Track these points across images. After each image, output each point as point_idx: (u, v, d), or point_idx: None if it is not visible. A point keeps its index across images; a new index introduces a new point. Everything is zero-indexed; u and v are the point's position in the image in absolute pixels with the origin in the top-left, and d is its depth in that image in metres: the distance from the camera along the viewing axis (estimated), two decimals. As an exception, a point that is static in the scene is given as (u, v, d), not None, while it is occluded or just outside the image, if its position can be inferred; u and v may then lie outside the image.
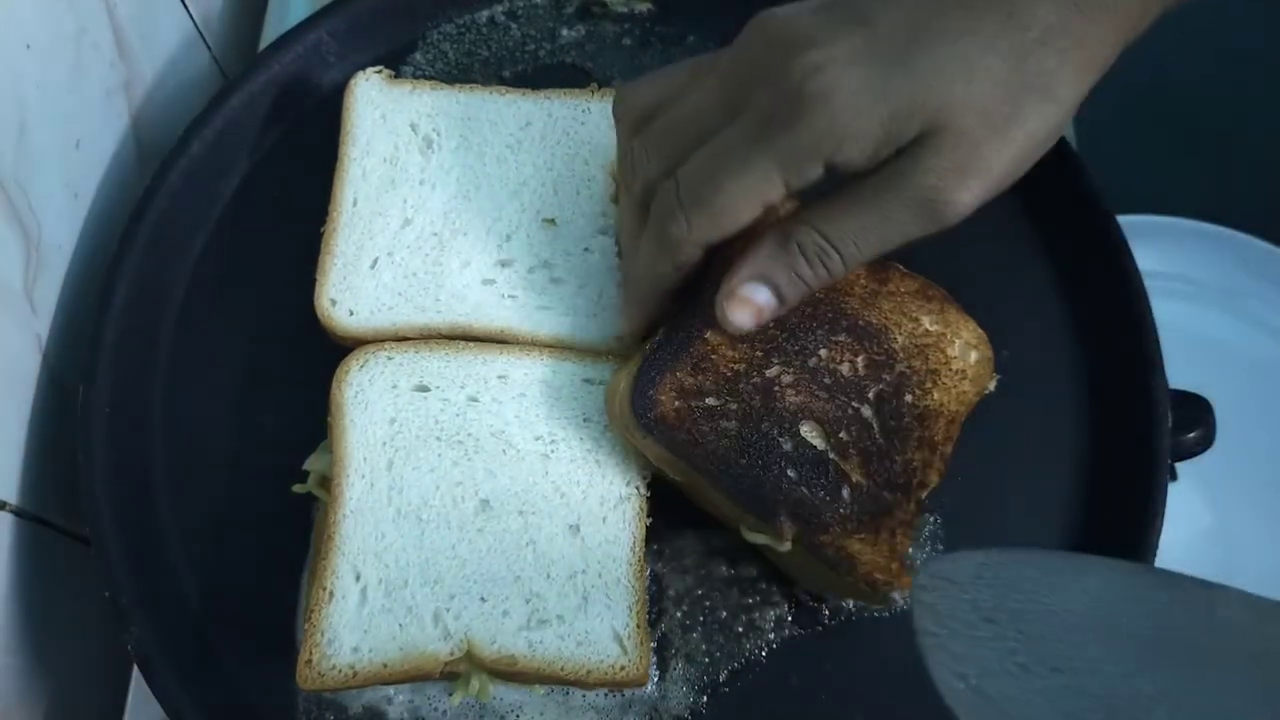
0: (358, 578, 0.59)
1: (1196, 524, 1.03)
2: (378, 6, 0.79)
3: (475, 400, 0.63)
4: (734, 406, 0.63)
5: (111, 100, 0.76)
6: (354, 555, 0.59)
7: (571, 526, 0.61)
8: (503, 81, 0.79)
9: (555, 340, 0.64)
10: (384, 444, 0.62)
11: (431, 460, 0.61)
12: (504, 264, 0.66)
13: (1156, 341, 0.68)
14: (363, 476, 0.61)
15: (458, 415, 0.63)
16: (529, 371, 0.64)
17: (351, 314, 0.64)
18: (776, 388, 0.63)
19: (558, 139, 0.69)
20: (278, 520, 0.66)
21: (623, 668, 0.58)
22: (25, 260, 0.66)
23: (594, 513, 0.61)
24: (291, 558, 0.65)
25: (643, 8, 0.82)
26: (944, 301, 0.68)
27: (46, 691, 0.69)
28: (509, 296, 0.65)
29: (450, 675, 0.59)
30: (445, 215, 0.67)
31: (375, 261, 0.65)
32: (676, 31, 0.81)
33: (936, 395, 0.66)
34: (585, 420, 0.63)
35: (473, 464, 0.62)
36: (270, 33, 0.87)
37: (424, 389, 0.63)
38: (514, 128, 0.70)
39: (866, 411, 0.64)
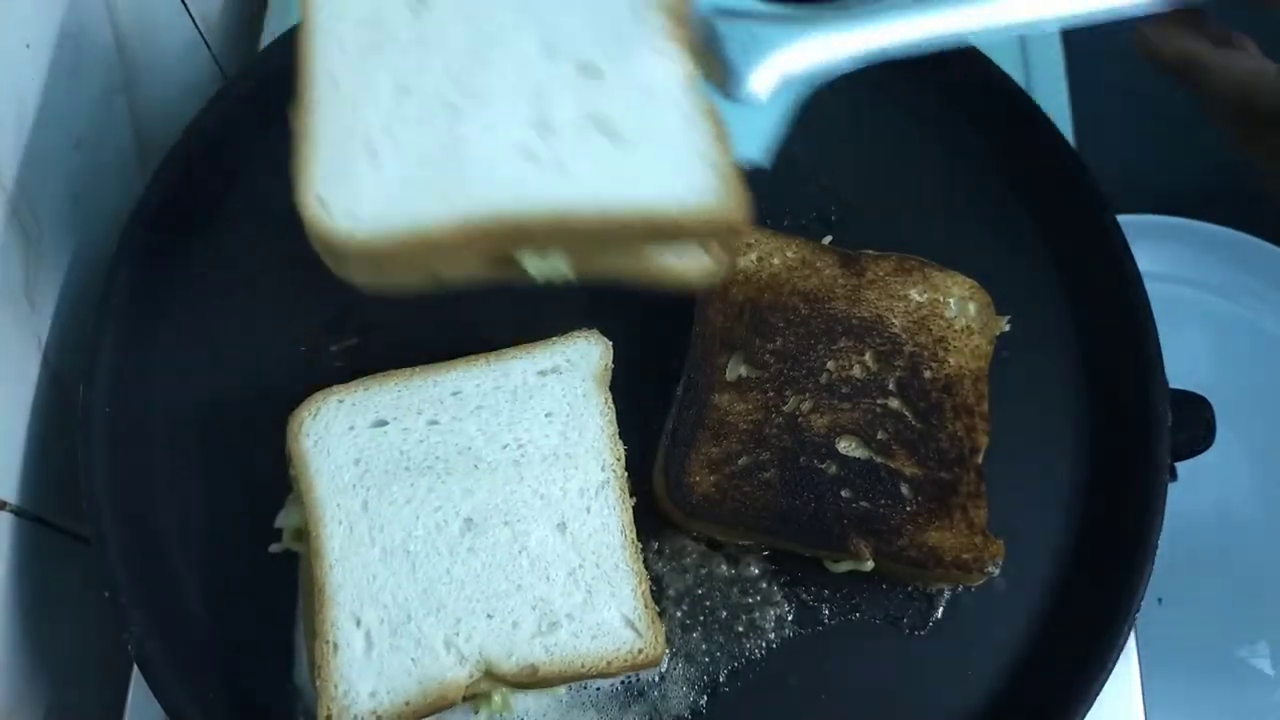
0: (358, 624, 0.58)
1: (1197, 523, 1.03)
2: (378, 6, 0.79)
3: (435, 423, 0.63)
4: (766, 456, 0.63)
5: (111, 100, 0.76)
6: (350, 603, 0.58)
7: (559, 525, 0.61)
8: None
9: (636, 212, 0.50)
10: (354, 486, 0.61)
11: (406, 492, 0.61)
12: (543, 128, 0.52)
13: (1156, 341, 0.68)
14: (340, 523, 0.60)
15: (421, 441, 0.62)
16: (480, 381, 0.64)
17: (352, 217, 0.49)
18: (800, 418, 0.64)
19: None
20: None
21: (640, 650, 0.59)
22: (25, 260, 0.66)
23: (577, 505, 0.61)
24: (291, 556, 0.65)
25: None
26: (924, 269, 0.69)
27: (46, 691, 0.69)
28: (558, 168, 0.51)
29: (472, 697, 0.59)
30: (454, 78, 0.53)
31: (369, 143, 0.51)
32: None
33: (953, 360, 0.66)
34: (548, 416, 0.63)
35: (448, 486, 0.61)
36: (270, 33, 0.87)
37: (382, 423, 0.62)
38: None
39: (894, 403, 0.65)
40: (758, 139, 0.55)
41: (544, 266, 0.51)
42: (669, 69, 0.54)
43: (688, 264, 0.53)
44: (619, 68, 0.53)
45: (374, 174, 0.50)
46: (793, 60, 0.56)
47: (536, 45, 0.54)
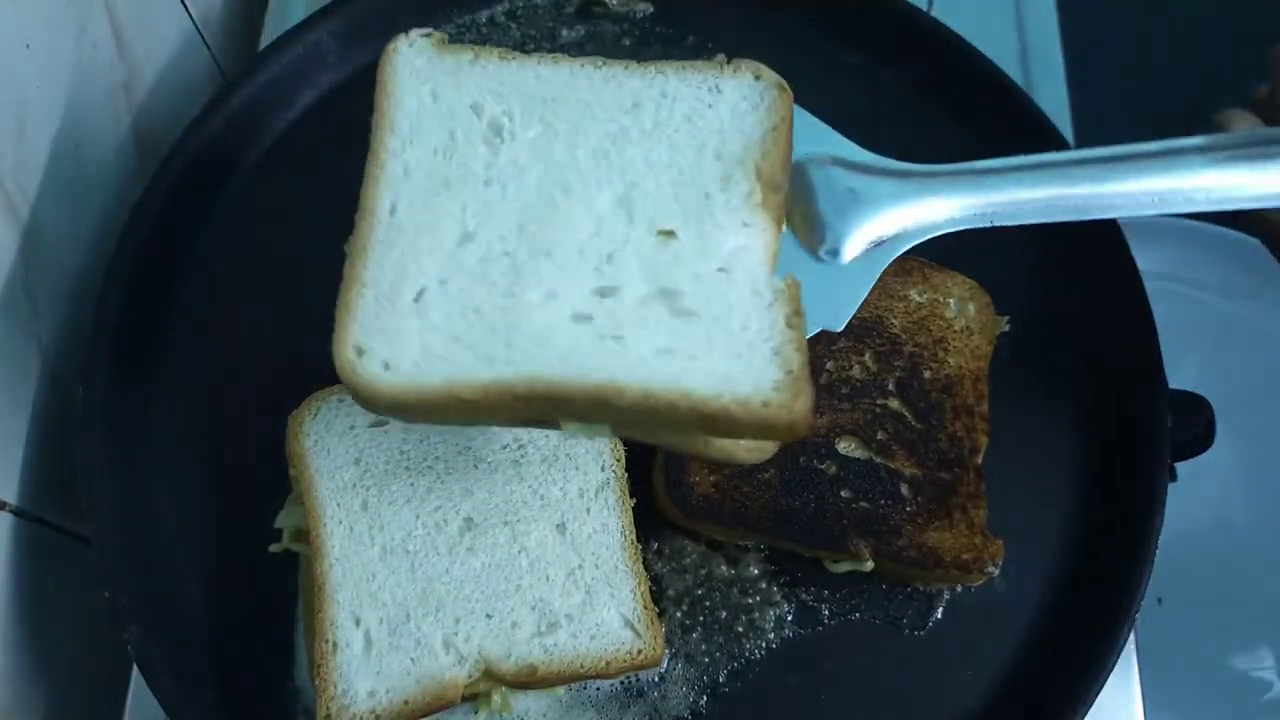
0: (358, 623, 0.58)
1: (1196, 524, 1.03)
2: (378, 6, 0.79)
3: None
4: None
5: (111, 100, 0.76)
6: (349, 602, 0.59)
7: (558, 525, 0.61)
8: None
9: (683, 396, 0.45)
10: (354, 486, 0.61)
11: (405, 491, 0.61)
12: (605, 293, 0.48)
13: (1156, 341, 0.68)
14: (339, 523, 0.60)
15: (421, 441, 0.62)
16: None
17: (387, 368, 0.46)
18: None
19: (677, 127, 0.52)
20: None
21: (639, 650, 0.59)
22: (25, 260, 0.66)
23: (576, 506, 0.61)
24: (291, 557, 0.65)
25: (642, 8, 0.82)
26: (923, 269, 0.69)
27: (46, 691, 0.69)
28: (612, 338, 0.47)
29: (472, 697, 0.59)
30: (521, 228, 0.49)
31: (421, 293, 0.48)
32: (676, 32, 0.81)
33: (952, 360, 0.66)
34: None
35: (447, 486, 0.61)
36: (270, 33, 0.87)
37: (382, 423, 0.62)
38: (616, 112, 0.52)
39: (893, 403, 0.65)
40: (836, 303, 0.51)
41: (583, 430, 0.48)
42: (752, 243, 0.49)
43: (735, 443, 0.50)
44: (697, 236, 0.49)
45: (418, 324, 0.47)
46: (892, 223, 0.52)
47: (614, 200, 0.50)
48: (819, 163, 0.53)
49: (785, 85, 0.53)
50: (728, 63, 0.54)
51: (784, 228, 0.52)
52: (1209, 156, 0.51)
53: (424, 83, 0.53)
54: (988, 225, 0.52)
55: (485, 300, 0.47)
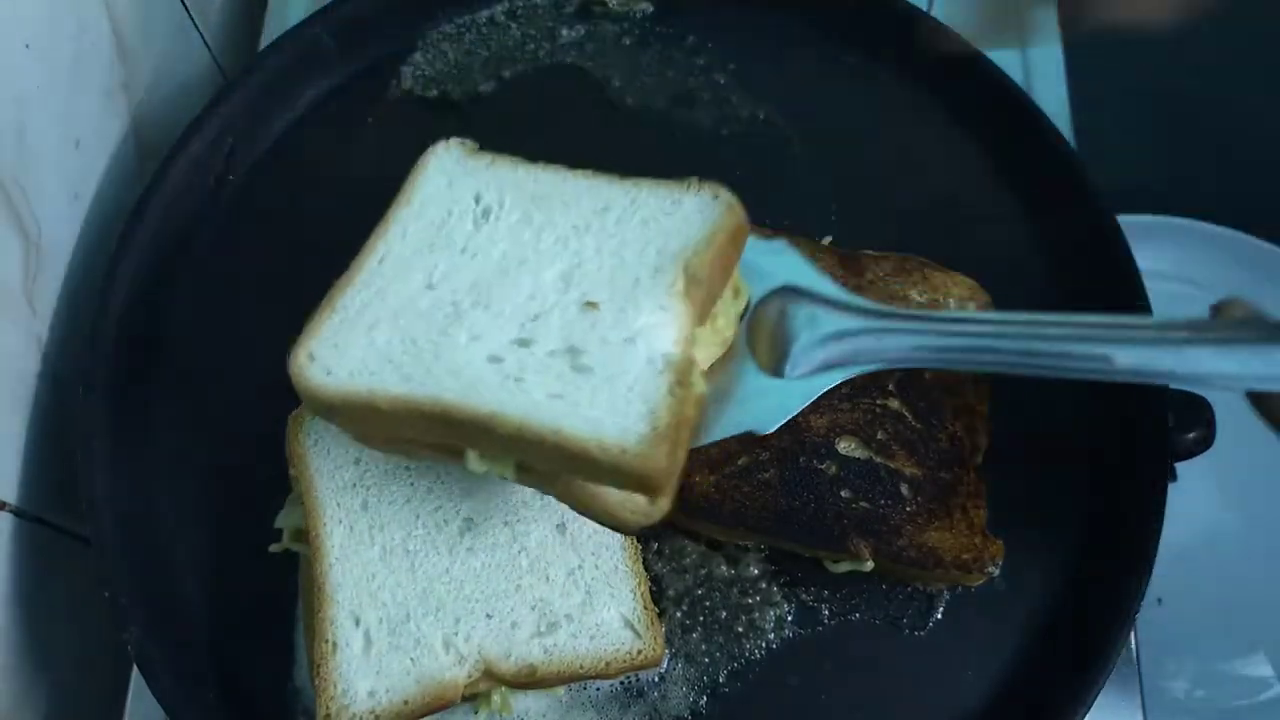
0: (358, 623, 0.58)
1: (1196, 524, 1.03)
2: (377, 6, 0.79)
3: None
4: (765, 456, 0.63)
5: (111, 100, 0.76)
6: (349, 602, 0.59)
7: (558, 525, 0.61)
8: (501, 81, 0.79)
9: (554, 434, 0.50)
10: (354, 485, 0.61)
11: (405, 491, 0.61)
12: (522, 343, 0.54)
13: (1157, 341, 0.68)
14: (339, 522, 0.60)
15: None
16: None
17: (328, 374, 0.54)
18: (799, 418, 0.64)
19: (634, 226, 0.58)
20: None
21: (639, 651, 0.59)
22: (25, 260, 0.66)
23: None
24: (291, 557, 0.65)
25: (642, 8, 0.82)
26: (924, 269, 0.69)
27: (46, 691, 0.69)
28: (514, 379, 0.53)
29: (472, 697, 0.59)
30: (474, 286, 0.57)
31: (376, 322, 0.55)
32: (676, 32, 0.81)
33: None
34: None
35: (447, 486, 0.62)
36: (270, 33, 0.87)
37: None
38: (588, 211, 0.59)
39: (893, 403, 0.65)
40: (771, 410, 0.58)
41: (488, 464, 0.54)
42: (662, 322, 0.54)
43: (622, 502, 0.53)
44: (617, 309, 0.55)
45: (364, 344, 0.55)
46: (844, 353, 0.58)
47: (558, 273, 0.57)
48: (794, 293, 0.60)
49: (735, 205, 0.58)
50: (697, 182, 0.59)
51: (741, 341, 0.60)
52: (1192, 334, 0.52)
53: (445, 175, 0.61)
54: (941, 368, 0.58)
55: (423, 334, 0.55)
